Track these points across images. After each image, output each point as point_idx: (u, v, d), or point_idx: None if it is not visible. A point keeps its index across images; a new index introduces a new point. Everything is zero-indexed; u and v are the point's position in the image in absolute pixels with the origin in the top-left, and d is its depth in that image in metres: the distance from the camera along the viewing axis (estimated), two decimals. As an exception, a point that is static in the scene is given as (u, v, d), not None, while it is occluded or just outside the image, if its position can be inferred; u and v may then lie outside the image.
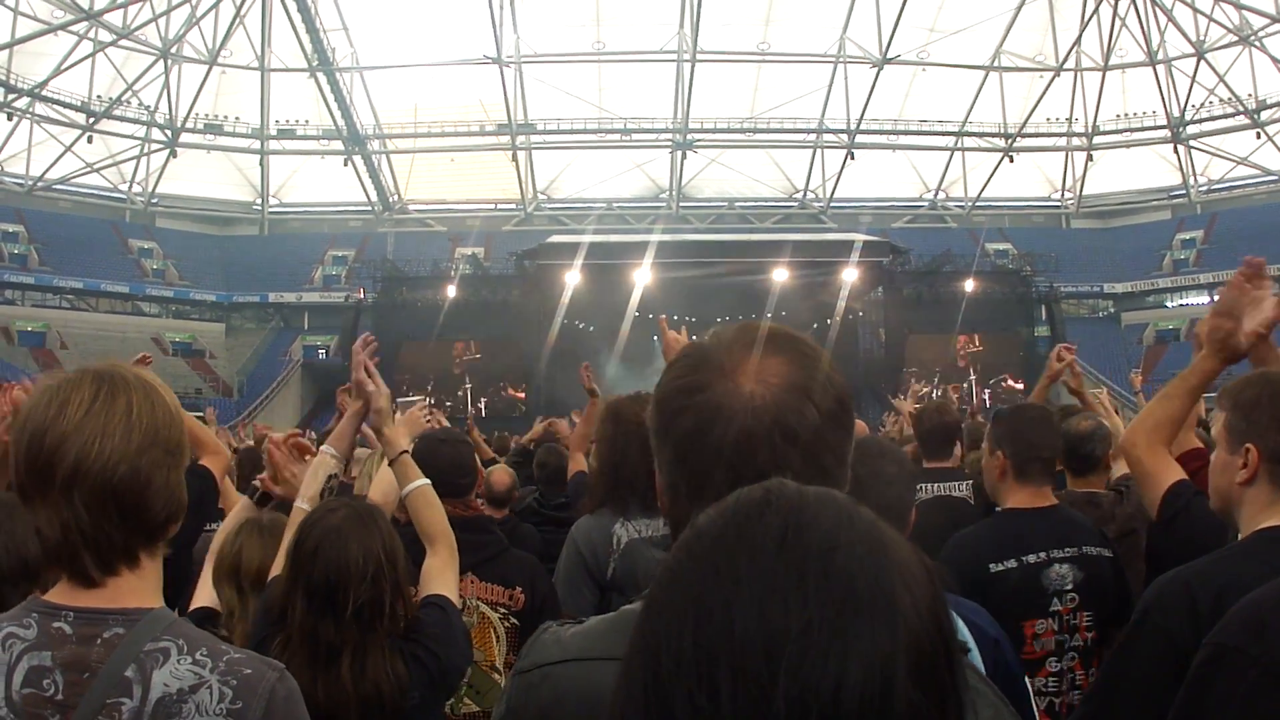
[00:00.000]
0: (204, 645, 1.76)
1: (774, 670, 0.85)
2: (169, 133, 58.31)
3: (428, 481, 3.56)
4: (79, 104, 55.11)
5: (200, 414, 7.65)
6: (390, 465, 3.68)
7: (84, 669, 1.69)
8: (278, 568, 3.24)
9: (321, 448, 3.84)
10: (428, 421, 4.24)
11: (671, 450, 1.43)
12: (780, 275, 39.92)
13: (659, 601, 0.93)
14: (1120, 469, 4.97)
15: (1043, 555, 3.72)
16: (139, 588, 1.80)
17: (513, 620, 4.19)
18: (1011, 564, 3.68)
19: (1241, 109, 56.29)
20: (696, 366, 1.45)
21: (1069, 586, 3.72)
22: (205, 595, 3.59)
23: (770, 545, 0.91)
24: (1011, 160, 60.86)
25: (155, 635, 1.74)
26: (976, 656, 2.61)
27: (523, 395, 40.63)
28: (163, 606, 1.82)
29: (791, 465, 1.36)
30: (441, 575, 3.38)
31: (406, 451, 3.64)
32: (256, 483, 4.17)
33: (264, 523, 3.67)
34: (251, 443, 6.79)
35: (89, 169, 58.09)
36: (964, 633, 2.64)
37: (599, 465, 4.38)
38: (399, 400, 3.79)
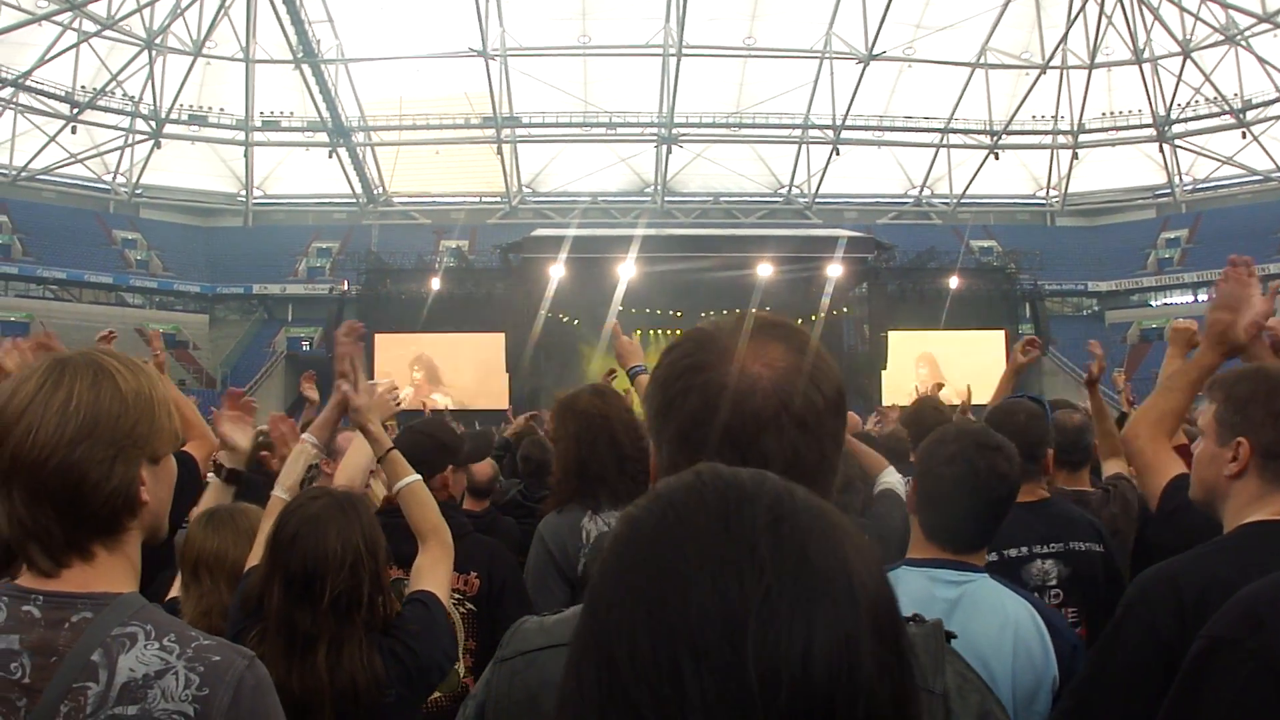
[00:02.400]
0: (172, 631, 1.74)
1: (737, 645, 0.83)
2: (153, 123, 58.05)
3: (418, 477, 3.51)
4: (63, 94, 54.81)
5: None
6: (380, 463, 3.64)
7: (51, 653, 1.67)
8: (255, 558, 3.21)
9: (302, 436, 3.81)
10: (396, 405, 4.21)
11: (675, 429, 1.42)
12: (765, 270, 39.68)
13: (605, 598, 0.91)
14: (1111, 468, 4.97)
15: (1023, 550, 3.70)
16: (108, 573, 1.77)
17: (468, 605, 4.15)
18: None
19: (1227, 108, 56.42)
20: (699, 347, 1.45)
21: (1053, 582, 3.69)
22: (179, 585, 3.56)
23: (715, 524, 0.90)
24: (997, 157, 60.86)
25: (123, 620, 1.71)
26: (1013, 651, 2.63)
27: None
28: (133, 592, 1.79)
29: (796, 448, 1.37)
30: (431, 571, 3.32)
31: (394, 448, 3.60)
32: (220, 459, 4.15)
33: (220, 513, 3.64)
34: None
35: (73, 159, 57.80)
36: (1043, 632, 2.72)
37: (562, 463, 4.38)
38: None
